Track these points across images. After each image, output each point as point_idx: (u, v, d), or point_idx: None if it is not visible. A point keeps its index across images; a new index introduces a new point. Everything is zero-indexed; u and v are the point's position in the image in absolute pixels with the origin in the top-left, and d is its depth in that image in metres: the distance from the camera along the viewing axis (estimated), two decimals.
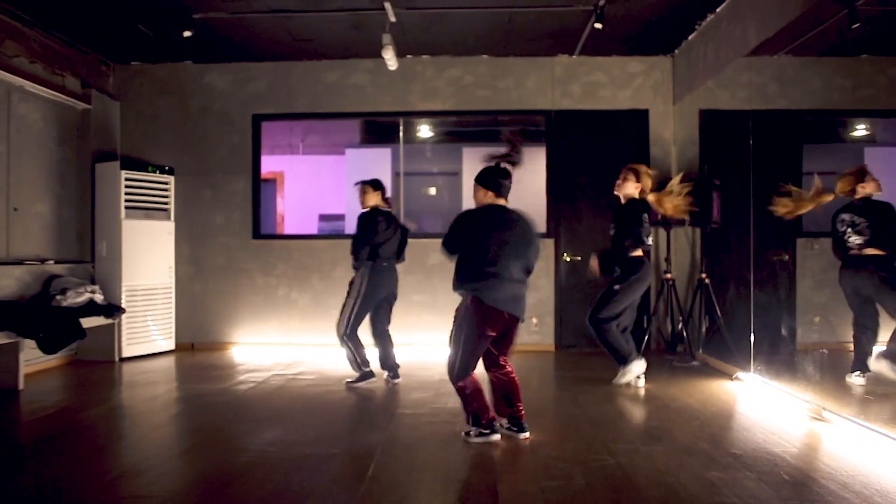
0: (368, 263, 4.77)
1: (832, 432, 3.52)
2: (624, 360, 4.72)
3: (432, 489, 2.79)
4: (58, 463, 3.12)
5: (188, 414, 4.17)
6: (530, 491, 2.69)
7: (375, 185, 4.96)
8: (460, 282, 3.43)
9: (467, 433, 3.42)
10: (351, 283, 4.85)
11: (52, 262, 5.73)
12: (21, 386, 4.71)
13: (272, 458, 3.18)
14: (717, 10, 5.43)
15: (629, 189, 4.83)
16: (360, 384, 4.82)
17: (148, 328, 6.27)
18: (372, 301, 4.84)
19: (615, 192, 4.93)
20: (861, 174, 4.59)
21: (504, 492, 2.68)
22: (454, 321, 3.47)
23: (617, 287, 4.67)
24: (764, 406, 4.18)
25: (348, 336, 4.77)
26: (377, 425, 3.81)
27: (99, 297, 5.73)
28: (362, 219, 4.81)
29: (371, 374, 4.85)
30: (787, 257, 6.22)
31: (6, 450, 3.40)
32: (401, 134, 7.05)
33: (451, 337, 3.46)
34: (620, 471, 2.92)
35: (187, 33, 5.52)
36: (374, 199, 4.91)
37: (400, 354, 5.13)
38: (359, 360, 4.82)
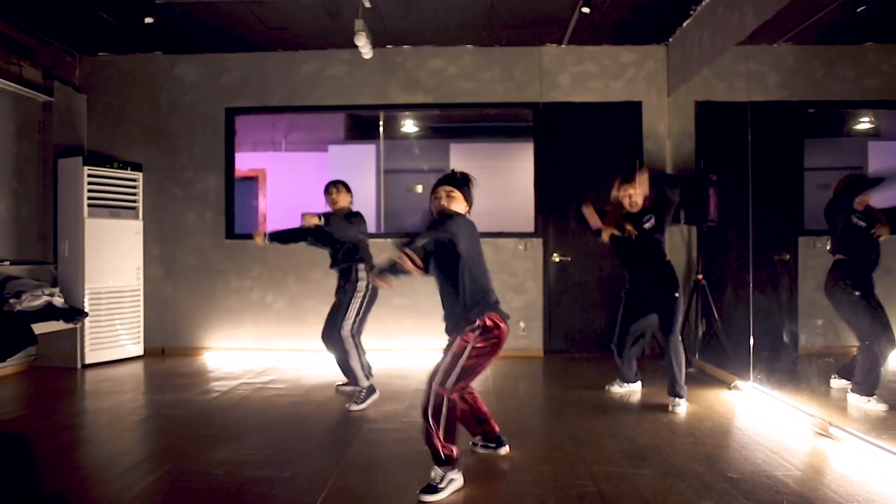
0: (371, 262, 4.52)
1: (840, 451, 3.19)
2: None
3: None
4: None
5: (141, 428, 3.84)
6: None
7: (348, 187, 4.73)
8: (482, 303, 2.87)
9: (432, 488, 2.69)
10: (351, 283, 4.43)
11: (7, 262, 5.40)
12: None
13: (215, 482, 2.84)
14: None
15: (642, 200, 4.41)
16: (367, 402, 4.26)
17: (115, 332, 5.94)
18: (374, 301, 4.54)
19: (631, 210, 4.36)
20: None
21: None
22: (463, 348, 2.82)
23: (677, 294, 4.25)
24: (764, 419, 3.85)
25: (353, 337, 4.40)
26: (340, 442, 3.48)
27: (58, 301, 5.40)
28: (358, 216, 4.53)
29: (374, 390, 4.35)
30: (788, 257, 5.89)
31: None
32: (380, 128, 6.72)
33: (451, 356, 2.84)
34: (601, 499, 2.59)
35: (149, 19, 5.20)
36: (346, 201, 4.65)
37: (380, 360, 4.81)
38: (364, 367, 4.44)
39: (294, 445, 3.42)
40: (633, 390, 4.62)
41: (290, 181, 8.93)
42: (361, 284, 4.43)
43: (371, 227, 7.94)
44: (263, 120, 7.84)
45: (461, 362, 2.78)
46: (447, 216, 2.82)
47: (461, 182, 3.01)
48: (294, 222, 4.68)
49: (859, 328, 4.05)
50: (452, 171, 3.08)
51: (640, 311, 4.40)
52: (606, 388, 4.65)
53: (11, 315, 4.84)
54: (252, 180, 8.82)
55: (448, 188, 2.97)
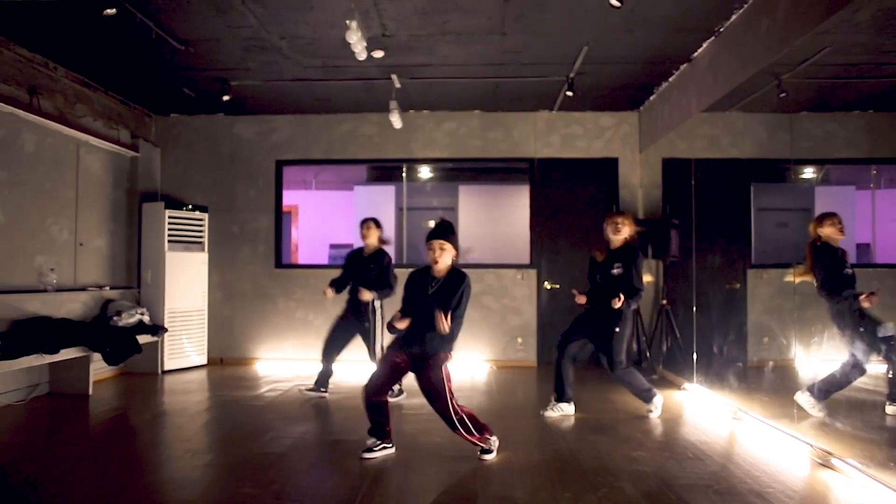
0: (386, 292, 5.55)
1: (742, 427, 4.51)
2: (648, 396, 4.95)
3: (429, 461, 3.76)
4: (136, 449, 4.13)
5: (231, 414, 5.14)
6: (499, 462, 3.68)
7: (378, 223, 5.70)
8: (453, 341, 3.89)
9: (486, 451, 3.80)
10: (370, 312, 5.50)
11: (107, 288, 6.74)
12: (90, 392, 5.70)
13: (308, 442, 4.17)
14: (671, 79, 6.48)
15: (627, 233, 4.99)
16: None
17: (184, 345, 7.26)
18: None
19: (614, 236, 4.95)
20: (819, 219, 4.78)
21: (481, 464, 3.67)
22: (447, 374, 3.81)
23: (617, 329, 4.79)
24: (699, 409, 5.16)
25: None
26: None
27: (146, 318, 6.72)
28: (390, 261, 5.59)
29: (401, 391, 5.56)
30: (738, 286, 7.26)
31: (90, 440, 4.39)
32: (404, 176, 8.10)
33: (445, 382, 3.78)
34: (569, 452, 3.91)
35: (226, 98, 6.57)
36: (375, 237, 5.61)
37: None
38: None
39: (356, 423, 4.70)
40: (566, 413, 4.94)
41: (319, 216, 10.33)
42: (379, 313, 5.55)
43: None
44: None
45: (449, 385, 3.77)
46: (463, 278, 3.87)
47: (449, 233, 3.90)
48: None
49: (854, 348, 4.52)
50: (441, 221, 3.96)
51: (582, 333, 4.97)
52: (541, 412, 5.00)
53: (118, 329, 6.17)
54: (286, 214, 10.18)
55: (440, 242, 3.84)
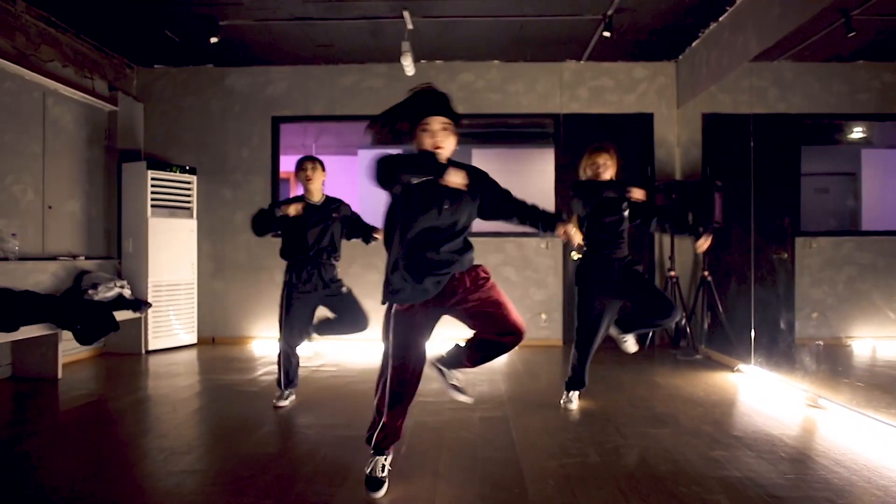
0: None
1: (826, 417, 3.78)
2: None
3: (461, 465, 3.04)
4: (105, 445, 3.39)
5: (221, 402, 4.42)
6: (550, 466, 2.96)
7: (324, 165, 4.29)
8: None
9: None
10: (337, 281, 4.22)
11: (82, 258, 5.99)
12: (60, 375, 4.97)
13: (311, 437, 3.44)
14: (720, 18, 5.68)
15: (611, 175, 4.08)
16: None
17: (171, 322, 6.52)
18: None
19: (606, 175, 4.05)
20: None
21: (526, 468, 2.94)
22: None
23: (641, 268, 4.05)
24: (763, 395, 4.44)
25: None
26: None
27: (127, 292, 5.98)
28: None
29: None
30: (786, 255, 6.50)
31: (55, 431, 3.66)
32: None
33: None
34: (632, 450, 3.18)
35: (214, 39, 5.76)
36: (321, 181, 4.22)
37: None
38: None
39: (365, 413, 3.98)
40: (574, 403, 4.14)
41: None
42: (342, 282, 4.21)
43: None
44: (296, 125, 8.41)
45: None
46: (481, 172, 2.74)
47: (451, 107, 2.62)
48: None
49: None
50: (428, 88, 2.64)
51: (613, 297, 4.05)
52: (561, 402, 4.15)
53: (94, 304, 5.43)
54: (284, 182, 9.39)
55: (442, 121, 2.57)
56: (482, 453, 3.19)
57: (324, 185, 4.23)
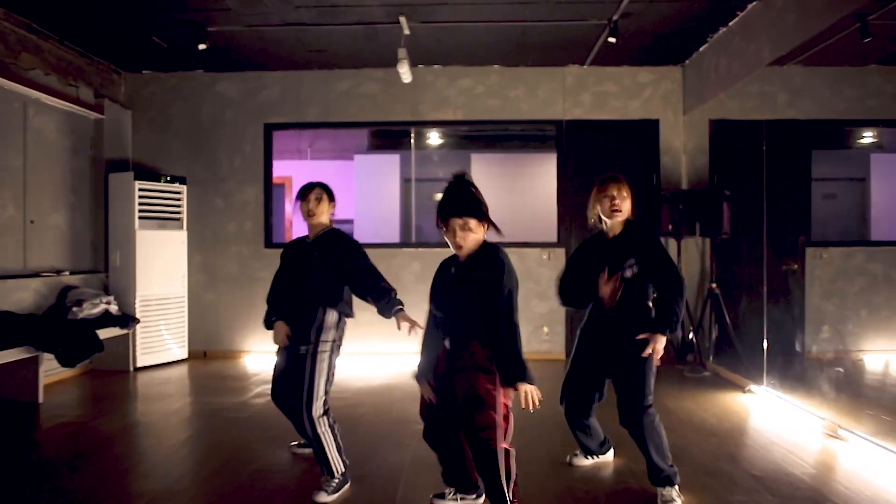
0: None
1: (848, 451, 3.58)
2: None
3: None
4: (83, 480, 3.17)
5: (209, 431, 4.20)
6: None
7: (332, 194, 3.42)
8: None
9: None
10: (317, 329, 3.14)
11: (67, 273, 5.76)
12: (41, 399, 4.75)
13: (306, 486, 3.22)
14: (730, 24, 5.46)
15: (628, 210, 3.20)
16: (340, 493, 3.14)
17: (162, 337, 6.30)
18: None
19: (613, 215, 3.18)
20: None
21: None
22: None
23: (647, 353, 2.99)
24: (778, 421, 4.23)
25: (327, 415, 3.23)
26: (401, 444, 3.84)
27: (114, 308, 5.76)
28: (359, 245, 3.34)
29: (348, 479, 3.21)
30: (796, 267, 6.28)
31: (29, 464, 3.44)
32: (412, 143, 7.08)
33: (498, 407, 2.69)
34: (645, 495, 2.97)
35: (202, 46, 5.53)
36: (329, 212, 3.39)
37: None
38: (341, 450, 3.21)
39: (361, 447, 3.77)
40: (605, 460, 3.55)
41: None
42: (333, 334, 3.17)
43: (395, 236, 8.35)
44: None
45: (505, 411, 2.64)
46: (495, 255, 2.57)
47: (472, 202, 2.56)
48: None
49: None
50: (457, 180, 2.60)
51: (596, 373, 3.46)
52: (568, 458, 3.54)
53: (77, 323, 5.21)
54: (279, 187, 9.16)
55: (461, 221, 2.53)
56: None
57: (333, 215, 3.41)
